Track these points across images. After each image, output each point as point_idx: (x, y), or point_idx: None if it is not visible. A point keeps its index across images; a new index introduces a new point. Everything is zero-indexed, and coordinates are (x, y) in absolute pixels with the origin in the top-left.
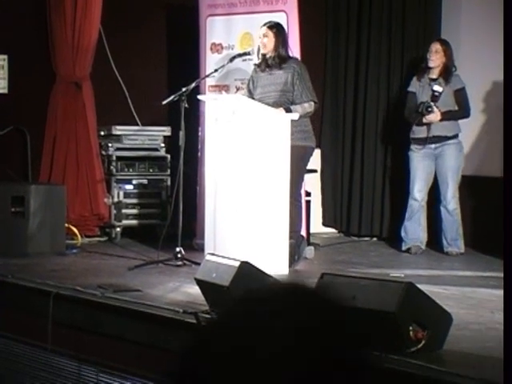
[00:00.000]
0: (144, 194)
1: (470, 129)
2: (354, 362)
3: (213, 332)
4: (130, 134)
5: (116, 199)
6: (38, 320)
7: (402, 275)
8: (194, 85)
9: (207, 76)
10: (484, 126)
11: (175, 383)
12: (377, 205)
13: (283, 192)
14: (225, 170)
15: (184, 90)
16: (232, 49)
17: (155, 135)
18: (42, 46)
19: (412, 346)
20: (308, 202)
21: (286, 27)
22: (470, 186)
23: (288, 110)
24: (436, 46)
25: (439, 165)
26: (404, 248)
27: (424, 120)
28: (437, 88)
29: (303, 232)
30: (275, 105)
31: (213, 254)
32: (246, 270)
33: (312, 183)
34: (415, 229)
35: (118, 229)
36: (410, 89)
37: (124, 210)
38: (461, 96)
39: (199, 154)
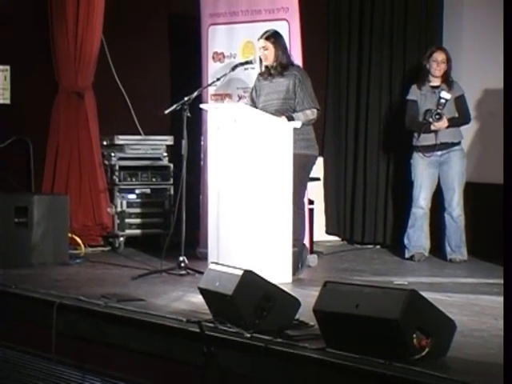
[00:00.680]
0: (147, 204)
1: (469, 135)
2: None
3: None
4: (133, 144)
5: (119, 209)
6: (42, 330)
7: (406, 283)
8: (196, 94)
9: (209, 85)
10: (484, 132)
11: None
12: (380, 212)
13: (286, 200)
14: (227, 178)
15: (186, 99)
16: (234, 58)
17: (158, 144)
18: (44, 56)
19: (416, 353)
20: (311, 210)
21: (287, 36)
22: (468, 192)
23: (290, 118)
24: (442, 56)
25: (444, 171)
26: (407, 255)
27: (432, 127)
28: (444, 95)
29: (306, 240)
30: (278, 112)
31: (216, 263)
32: (250, 278)
33: (315, 191)
34: (418, 236)
35: (122, 238)
36: (410, 97)
37: (127, 220)
38: (461, 103)
39: (202, 162)
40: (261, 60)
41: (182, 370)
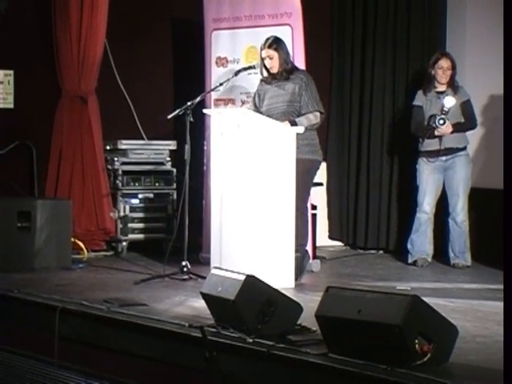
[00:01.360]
0: (150, 208)
1: (474, 141)
2: None
3: None
4: (136, 148)
5: (122, 213)
6: (44, 335)
7: (409, 288)
8: (199, 99)
9: (212, 90)
10: (489, 137)
11: None
12: (383, 218)
13: (289, 205)
14: (230, 183)
15: (189, 103)
16: (237, 63)
17: (161, 149)
18: (47, 60)
19: (418, 359)
20: (314, 216)
21: (290, 41)
22: (473, 197)
23: (293, 123)
24: (448, 63)
25: (449, 177)
26: (410, 261)
27: (436, 133)
28: (447, 103)
29: (309, 245)
30: (283, 115)
31: (218, 268)
32: (252, 283)
33: (318, 196)
34: (422, 241)
35: (124, 243)
36: (416, 103)
37: (130, 224)
38: (467, 108)
39: (205, 167)
40: (265, 67)
41: (184, 375)
